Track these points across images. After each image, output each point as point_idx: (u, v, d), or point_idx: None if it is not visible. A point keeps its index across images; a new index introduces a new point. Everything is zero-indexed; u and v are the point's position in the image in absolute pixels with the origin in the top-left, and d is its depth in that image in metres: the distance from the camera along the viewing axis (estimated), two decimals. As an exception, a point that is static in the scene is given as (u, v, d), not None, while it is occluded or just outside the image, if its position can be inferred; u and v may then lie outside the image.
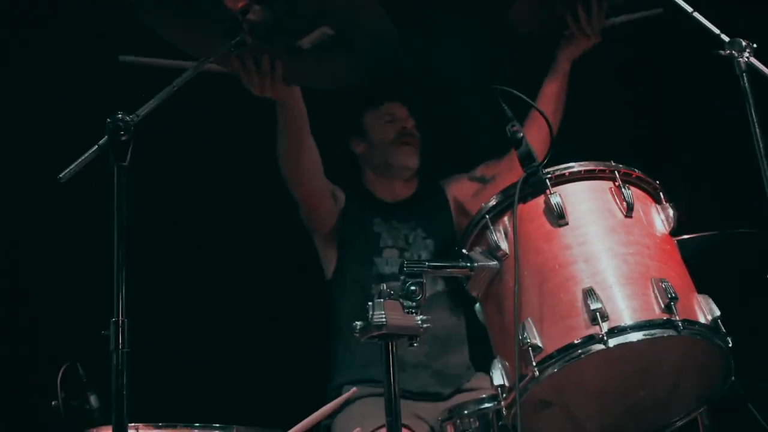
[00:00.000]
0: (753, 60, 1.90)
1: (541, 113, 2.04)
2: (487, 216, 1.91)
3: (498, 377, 1.83)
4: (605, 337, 1.70)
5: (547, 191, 1.85)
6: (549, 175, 1.87)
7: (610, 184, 1.89)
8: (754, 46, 1.91)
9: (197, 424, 2.06)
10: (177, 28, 2.20)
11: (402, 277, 1.85)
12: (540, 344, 1.75)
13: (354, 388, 2.04)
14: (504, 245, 1.87)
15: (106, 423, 1.82)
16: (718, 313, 1.80)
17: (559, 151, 1.95)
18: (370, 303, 1.82)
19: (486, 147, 2.76)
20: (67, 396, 2.06)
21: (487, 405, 2.14)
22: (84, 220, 2.66)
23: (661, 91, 3.10)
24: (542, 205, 1.87)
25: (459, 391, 2.68)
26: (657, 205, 1.94)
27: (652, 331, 1.73)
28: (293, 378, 2.92)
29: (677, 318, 1.73)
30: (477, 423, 2.14)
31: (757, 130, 1.87)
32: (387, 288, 1.83)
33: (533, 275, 1.83)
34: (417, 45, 2.63)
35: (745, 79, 1.89)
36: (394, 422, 1.80)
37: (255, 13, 2.10)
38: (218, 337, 2.99)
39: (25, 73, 3.02)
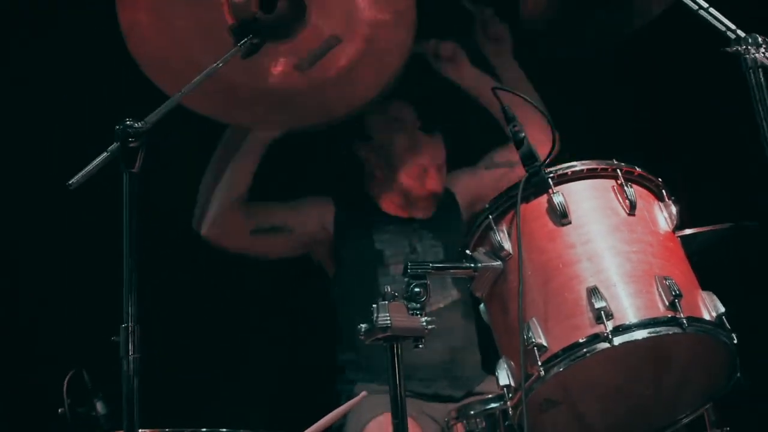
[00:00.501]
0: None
1: (543, 113, 2.02)
2: (490, 216, 1.91)
3: (503, 377, 1.83)
4: (610, 336, 1.70)
5: (550, 190, 1.85)
6: (551, 175, 1.87)
7: (612, 182, 1.90)
8: None
9: (204, 429, 2.07)
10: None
11: (406, 279, 1.85)
12: (545, 343, 1.76)
13: (364, 392, 2.05)
14: (507, 245, 1.88)
15: (113, 429, 1.84)
16: (722, 309, 1.81)
17: (561, 150, 1.97)
18: (374, 305, 1.82)
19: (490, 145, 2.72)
20: (73, 403, 2.06)
21: (493, 405, 2.14)
22: (89, 225, 2.66)
23: (661, 88, 3.08)
24: (545, 205, 1.87)
25: (470, 393, 2.67)
26: (660, 203, 1.94)
27: (657, 329, 1.74)
28: (298, 383, 2.93)
29: (682, 315, 1.73)
30: (484, 423, 2.15)
31: (765, 125, 1.82)
32: (391, 290, 1.83)
33: (537, 275, 1.84)
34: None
35: (758, 74, 1.80)
36: (400, 424, 1.80)
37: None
38: (224, 343, 2.99)
39: (29, 75, 3.02)
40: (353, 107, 2.33)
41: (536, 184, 1.87)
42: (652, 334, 1.73)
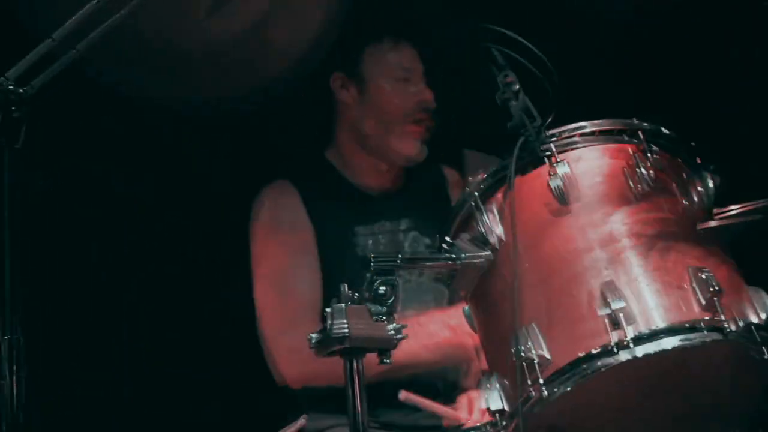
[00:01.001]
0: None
1: (546, 63, 1.71)
2: (476, 194, 1.72)
3: (495, 400, 1.65)
4: (631, 345, 1.52)
5: (553, 159, 1.65)
6: (554, 139, 1.67)
7: (631, 148, 1.70)
8: None
9: None
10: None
11: (368, 275, 1.64)
12: (548, 356, 1.57)
13: (302, 418, 1.94)
14: (498, 230, 1.69)
15: None
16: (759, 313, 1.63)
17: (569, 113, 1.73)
18: (327, 309, 1.61)
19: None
20: None
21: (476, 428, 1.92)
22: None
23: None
24: (546, 178, 1.66)
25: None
26: (692, 174, 1.74)
27: (691, 336, 1.55)
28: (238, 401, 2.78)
29: (723, 317, 1.55)
30: None
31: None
32: (350, 291, 1.63)
33: (536, 268, 1.66)
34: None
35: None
36: None
37: None
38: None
39: None
40: (267, 74, 2.28)
41: (535, 151, 1.66)
42: (685, 343, 1.55)
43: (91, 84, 2.07)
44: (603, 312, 1.53)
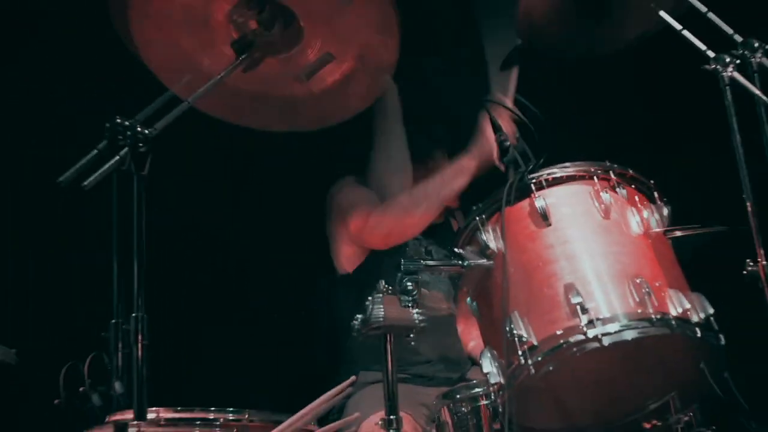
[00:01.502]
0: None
1: (537, 113, 2.11)
2: (477, 218, 2.02)
3: (487, 365, 1.92)
4: (585, 329, 1.81)
5: (532, 195, 1.97)
6: (534, 180, 1.98)
7: (590, 187, 2.00)
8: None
9: (212, 408, 2.14)
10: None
11: (399, 274, 1.96)
12: (525, 335, 1.86)
13: (353, 378, 2.15)
14: (493, 245, 1.99)
15: (129, 407, 1.85)
16: (711, 310, 1.87)
17: (557, 152, 2.07)
18: (369, 298, 1.94)
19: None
20: (69, 395, 2.09)
21: (477, 390, 2.21)
22: (87, 222, 2.67)
23: (658, 95, 3.13)
24: (527, 208, 1.98)
25: (463, 378, 2.82)
26: (647, 206, 2.03)
27: (630, 323, 1.85)
28: (298, 366, 3.02)
29: (650, 311, 1.84)
30: (469, 407, 2.21)
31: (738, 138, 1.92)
32: (385, 285, 1.95)
33: (519, 272, 1.94)
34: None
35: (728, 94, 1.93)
36: (390, 412, 1.97)
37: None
38: (229, 329, 3.08)
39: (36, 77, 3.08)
40: (346, 116, 2.41)
41: (520, 189, 1.97)
42: (623, 329, 1.83)
43: (200, 115, 2.19)
44: (566, 305, 1.84)
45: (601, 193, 1.98)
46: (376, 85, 2.35)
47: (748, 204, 1.87)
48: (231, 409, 2.17)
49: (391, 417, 1.97)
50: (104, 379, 2.01)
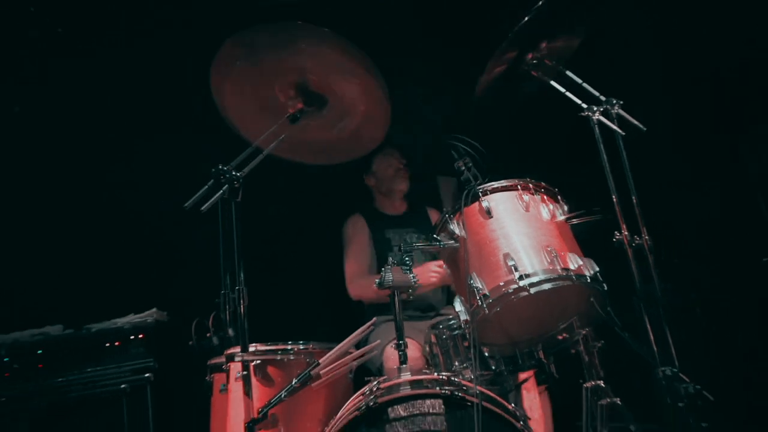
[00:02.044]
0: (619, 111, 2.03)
1: (480, 148, 2.18)
2: (447, 216, 2.14)
3: (458, 306, 2.06)
4: (517, 280, 1.93)
5: (480, 199, 2.08)
6: (482, 190, 2.10)
7: (516, 192, 2.10)
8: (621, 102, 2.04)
9: (289, 342, 2.23)
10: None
11: (399, 253, 2.10)
12: (480, 287, 1.98)
13: (374, 319, 2.19)
14: (458, 232, 2.09)
15: (236, 344, 1.99)
16: (597, 268, 1.98)
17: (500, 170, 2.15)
18: (383, 269, 2.09)
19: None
20: (198, 338, 2.29)
21: (452, 322, 2.30)
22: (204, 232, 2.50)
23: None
24: (478, 207, 2.08)
25: (438, 314, 2.87)
26: (553, 203, 2.09)
27: (555, 281, 1.92)
28: (339, 313, 2.99)
29: (558, 268, 1.93)
30: (447, 332, 2.28)
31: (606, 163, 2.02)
32: (392, 260, 2.10)
33: (474, 248, 2.03)
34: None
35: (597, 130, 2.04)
36: (399, 339, 2.06)
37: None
38: (297, 295, 3.14)
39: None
40: (362, 153, 2.45)
41: (473, 196, 2.09)
42: (542, 281, 1.94)
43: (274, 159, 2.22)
44: (504, 266, 1.95)
45: (523, 196, 2.09)
46: (379, 133, 2.35)
47: (613, 197, 2.00)
48: (301, 341, 2.26)
49: (400, 342, 2.07)
50: (219, 329, 2.18)
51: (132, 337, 2.70)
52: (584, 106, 2.05)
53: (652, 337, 1.93)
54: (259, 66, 2.12)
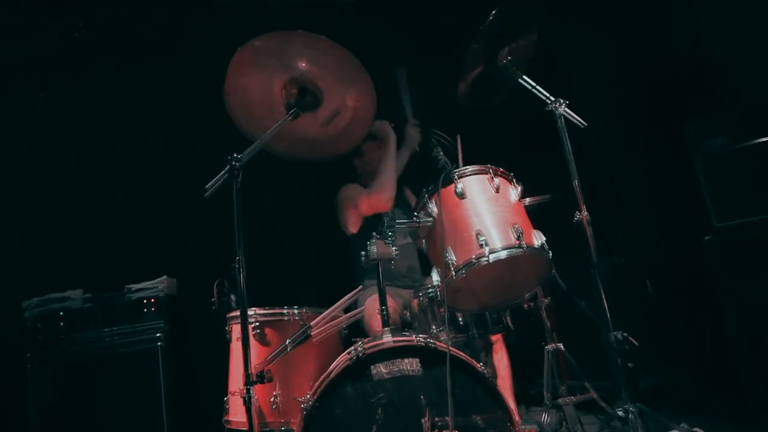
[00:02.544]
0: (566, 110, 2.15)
1: (450, 140, 2.29)
2: (426, 195, 2.19)
3: (435, 277, 2.13)
4: (488, 254, 2.01)
5: (456, 182, 2.13)
6: (456, 174, 2.14)
7: (487, 176, 2.16)
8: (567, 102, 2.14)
9: (285, 306, 2.28)
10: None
11: (384, 228, 2.16)
12: (454, 258, 2.04)
13: (360, 286, 2.27)
14: (435, 210, 2.14)
15: (237, 308, 2.10)
16: (544, 239, 2.09)
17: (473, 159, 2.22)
18: (368, 242, 2.13)
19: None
20: (219, 296, 2.33)
21: (430, 290, 2.34)
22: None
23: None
24: (453, 189, 2.14)
25: (421, 285, 2.81)
26: (512, 185, 2.20)
27: (512, 251, 2.03)
28: (330, 280, 3.02)
29: (524, 243, 2.04)
30: (426, 299, 2.34)
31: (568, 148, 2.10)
32: (376, 234, 2.15)
33: (449, 225, 2.09)
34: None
35: (563, 121, 2.12)
36: (382, 305, 2.12)
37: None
38: (293, 264, 3.17)
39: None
40: (350, 146, 2.42)
41: (448, 180, 2.14)
42: (509, 253, 2.02)
43: (265, 153, 2.23)
44: (476, 241, 2.02)
45: (494, 179, 2.15)
46: (365, 129, 2.37)
47: (575, 182, 2.07)
48: (295, 306, 2.31)
49: (383, 307, 2.11)
50: (234, 290, 2.25)
51: (145, 301, 2.79)
52: (549, 101, 2.12)
53: (605, 304, 2.00)
54: (265, 69, 2.17)
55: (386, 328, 2.07)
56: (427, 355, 1.94)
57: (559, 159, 2.10)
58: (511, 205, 2.13)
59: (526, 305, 2.27)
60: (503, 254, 1.99)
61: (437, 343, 1.95)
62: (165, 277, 2.83)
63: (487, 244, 2.00)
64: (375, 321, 2.47)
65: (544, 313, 2.25)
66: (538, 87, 2.14)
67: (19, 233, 3.03)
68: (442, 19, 3.06)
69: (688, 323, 2.88)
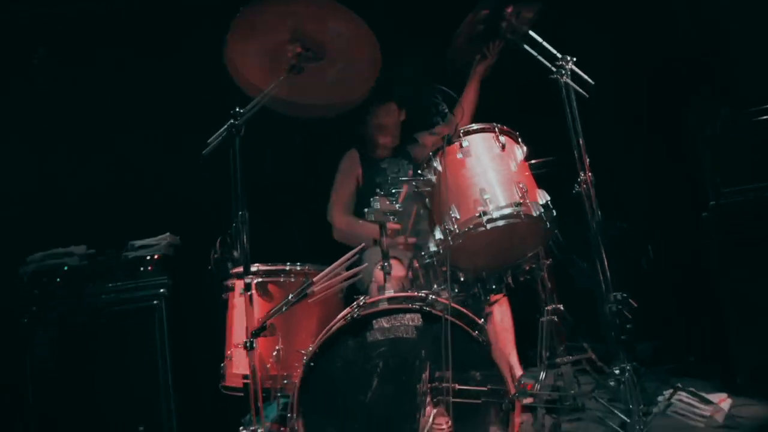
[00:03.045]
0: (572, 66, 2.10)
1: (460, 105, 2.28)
2: (431, 154, 2.17)
3: (438, 234, 2.09)
4: (491, 211, 1.99)
5: (461, 140, 2.11)
6: (462, 132, 2.12)
7: (493, 134, 2.14)
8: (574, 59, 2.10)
9: (288, 262, 2.29)
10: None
11: (387, 187, 2.22)
12: (458, 216, 2.02)
13: (362, 244, 2.24)
14: (439, 167, 2.12)
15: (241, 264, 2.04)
16: (548, 198, 2.07)
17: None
18: (372, 198, 2.13)
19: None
20: (222, 251, 2.33)
21: (433, 248, 2.21)
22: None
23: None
24: (459, 148, 2.11)
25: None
26: (517, 144, 2.18)
27: (516, 208, 2.01)
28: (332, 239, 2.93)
29: (528, 201, 2.02)
30: (428, 258, 2.22)
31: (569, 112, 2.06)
32: (380, 190, 2.17)
33: (454, 182, 2.08)
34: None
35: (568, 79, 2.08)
36: (384, 259, 2.13)
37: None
38: (294, 223, 3.15)
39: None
40: (352, 103, 2.43)
41: (452, 139, 2.12)
42: (513, 209, 2.00)
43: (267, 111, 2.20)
44: (481, 198, 2.00)
45: (499, 137, 2.13)
46: (368, 85, 2.34)
47: (579, 140, 2.04)
48: (298, 263, 2.32)
49: (385, 264, 2.13)
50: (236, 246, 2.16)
51: (148, 257, 2.77)
52: (554, 68, 2.09)
53: (606, 267, 2.01)
54: (265, 26, 2.15)
55: (388, 285, 2.07)
56: (427, 310, 1.94)
57: (557, 123, 2.07)
58: (517, 164, 2.12)
59: (527, 266, 2.24)
60: (507, 211, 1.98)
61: (438, 298, 1.96)
62: (168, 234, 2.83)
63: (491, 202, 1.99)
64: (377, 280, 2.47)
65: (546, 274, 2.23)
66: (544, 43, 2.12)
67: (23, 191, 2.99)
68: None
69: (682, 293, 2.89)
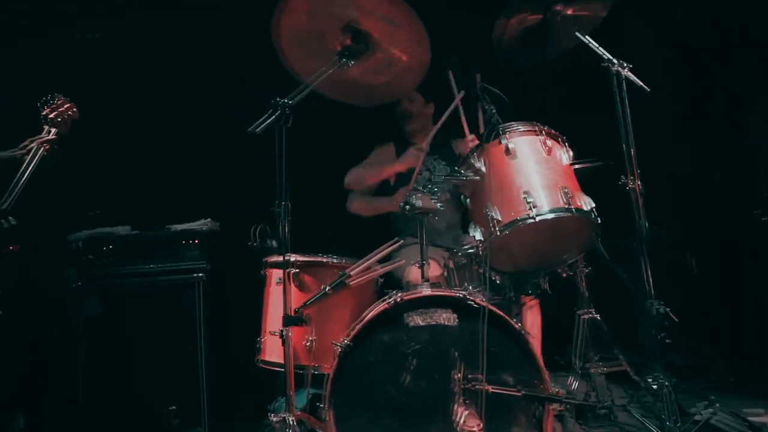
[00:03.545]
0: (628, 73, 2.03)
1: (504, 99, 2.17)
2: (473, 152, 2.12)
3: (478, 235, 2.06)
4: (533, 215, 1.94)
5: (507, 140, 2.04)
6: (507, 131, 2.06)
7: (539, 137, 2.08)
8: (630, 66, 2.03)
9: (326, 254, 2.26)
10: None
11: (429, 185, 2.18)
12: (499, 217, 1.98)
13: (398, 239, 2.20)
14: (482, 167, 2.07)
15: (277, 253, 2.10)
16: (593, 204, 2.01)
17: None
18: (411, 195, 2.09)
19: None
20: (260, 241, 2.34)
21: (468, 248, 2.25)
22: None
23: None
24: (503, 148, 2.06)
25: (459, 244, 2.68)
26: (563, 148, 2.12)
27: (559, 213, 1.96)
28: (368, 232, 2.83)
29: (572, 207, 1.96)
30: (465, 259, 2.25)
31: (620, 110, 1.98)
32: (421, 188, 2.12)
33: (495, 182, 2.04)
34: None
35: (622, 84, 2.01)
36: (422, 258, 2.08)
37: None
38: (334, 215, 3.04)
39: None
40: (401, 94, 2.50)
41: (493, 136, 2.06)
42: (556, 215, 1.95)
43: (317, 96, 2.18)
44: (523, 201, 1.95)
45: (546, 141, 2.07)
46: (418, 78, 2.29)
47: (624, 145, 1.97)
48: (334, 255, 2.29)
49: (423, 261, 2.08)
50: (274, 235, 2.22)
51: (189, 241, 2.78)
52: (606, 57, 2.01)
53: (649, 273, 1.94)
54: (315, 15, 2.12)
55: (425, 281, 2.03)
56: (463, 308, 1.90)
57: (605, 124, 2.00)
58: (562, 168, 2.06)
59: (564, 273, 2.19)
60: (550, 215, 1.93)
61: (475, 298, 1.91)
62: (209, 219, 2.82)
63: (535, 206, 1.94)
64: (413, 277, 2.43)
65: (583, 282, 2.18)
66: (599, 48, 2.04)
67: (68, 173, 2.94)
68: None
69: (729, 303, 2.79)
